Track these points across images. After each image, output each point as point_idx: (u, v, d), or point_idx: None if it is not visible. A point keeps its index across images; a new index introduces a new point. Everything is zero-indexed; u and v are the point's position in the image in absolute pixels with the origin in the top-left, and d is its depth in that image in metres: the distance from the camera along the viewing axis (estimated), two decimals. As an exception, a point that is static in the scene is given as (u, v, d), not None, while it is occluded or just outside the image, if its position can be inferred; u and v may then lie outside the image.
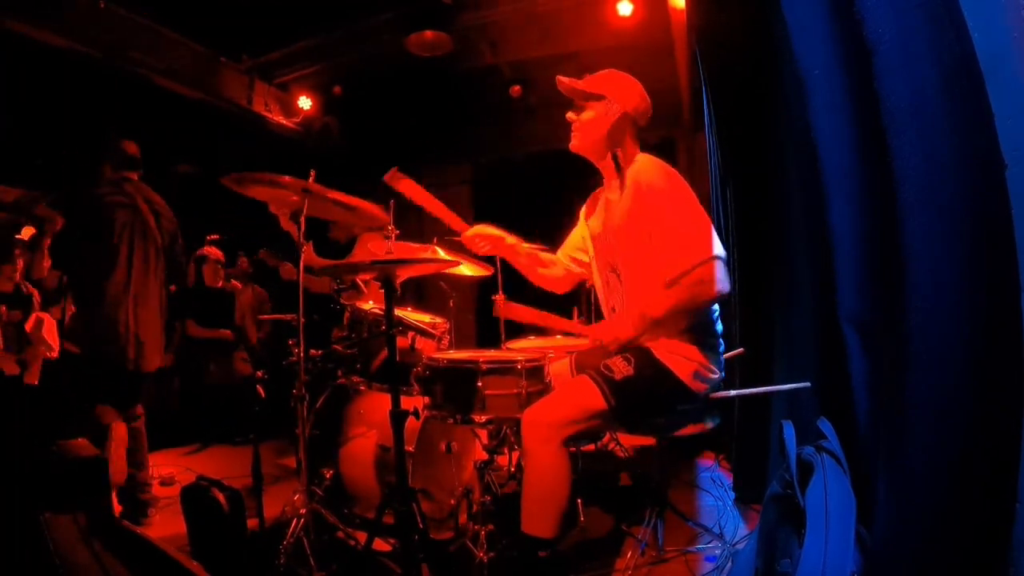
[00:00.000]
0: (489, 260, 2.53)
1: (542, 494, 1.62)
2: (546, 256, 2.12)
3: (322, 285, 3.17)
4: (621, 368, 1.67)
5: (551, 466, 1.60)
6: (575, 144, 1.86)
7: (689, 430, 1.89)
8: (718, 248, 1.61)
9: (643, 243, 1.72)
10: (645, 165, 1.74)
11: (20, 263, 3.26)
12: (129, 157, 2.66)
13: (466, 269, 2.40)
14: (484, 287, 3.20)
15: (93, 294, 2.53)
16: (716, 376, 1.74)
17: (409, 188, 1.90)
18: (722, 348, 1.79)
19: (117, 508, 2.45)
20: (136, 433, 2.62)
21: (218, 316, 4.25)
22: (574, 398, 1.66)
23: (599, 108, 1.80)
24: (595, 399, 1.63)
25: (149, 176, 2.79)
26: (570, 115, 1.86)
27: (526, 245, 2.08)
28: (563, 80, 1.83)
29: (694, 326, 1.72)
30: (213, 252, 4.26)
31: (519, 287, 2.23)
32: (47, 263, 3.28)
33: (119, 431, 2.51)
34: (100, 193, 2.57)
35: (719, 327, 1.80)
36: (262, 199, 2.28)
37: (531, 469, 1.63)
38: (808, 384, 1.70)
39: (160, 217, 2.69)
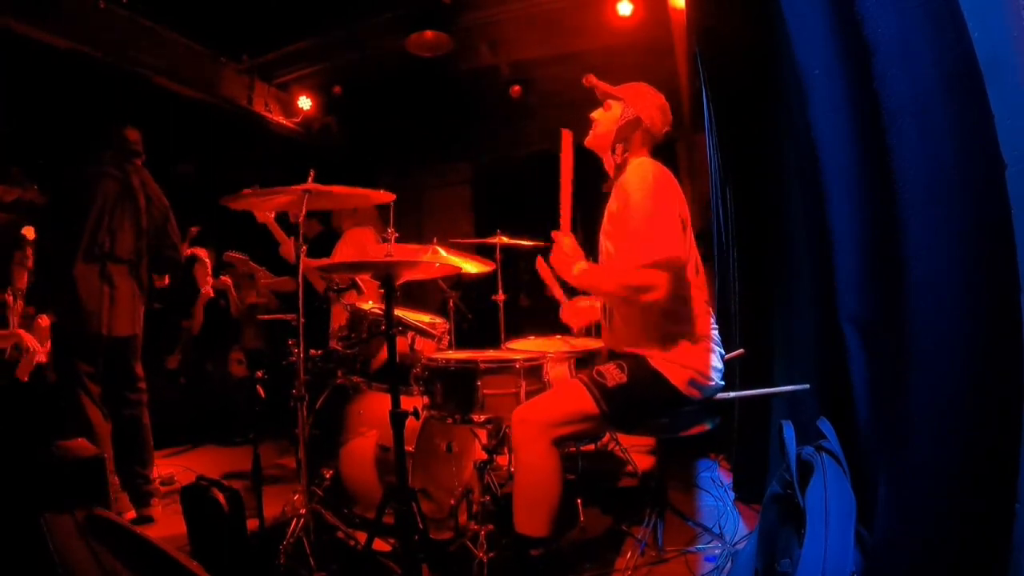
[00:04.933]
0: (490, 257, 2.53)
1: (532, 493, 1.62)
2: None
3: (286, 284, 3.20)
4: (614, 375, 1.67)
5: (540, 465, 1.61)
6: (588, 140, 1.91)
7: (688, 431, 1.89)
8: (669, 253, 1.61)
9: (618, 241, 1.76)
10: (635, 166, 1.78)
11: (30, 251, 3.25)
12: (129, 143, 2.68)
13: (469, 267, 2.40)
14: (484, 287, 3.20)
15: (68, 258, 2.52)
16: (713, 383, 1.74)
17: (566, 158, 1.89)
18: (721, 354, 1.79)
19: (125, 505, 2.45)
20: (138, 426, 2.61)
21: (210, 315, 4.25)
22: (565, 401, 1.67)
23: (615, 108, 1.87)
24: (586, 404, 1.64)
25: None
26: (593, 114, 1.92)
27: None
28: (592, 79, 1.89)
29: (691, 333, 1.72)
30: (200, 253, 4.25)
31: (520, 287, 2.23)
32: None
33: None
34: (89, 168, 2.60)
35: (716, 334, 1.81)
36: (265, 209, 2.28)
37: (520, 468, 1.64)
38: (807, 386, 1.70)
39: (151, 201, 2.70)
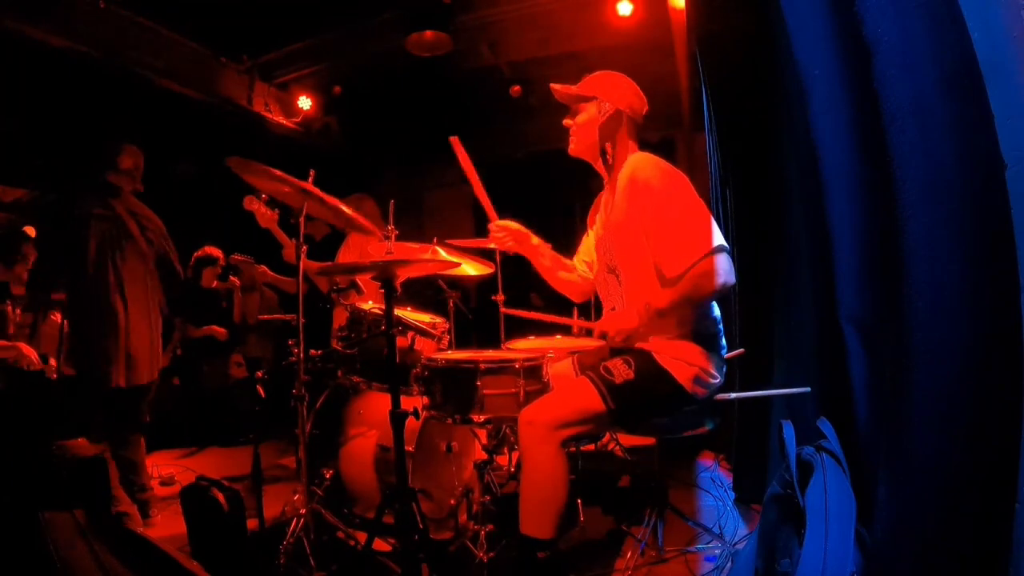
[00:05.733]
0: (490, 258, 2.53)
1: (540, 494, 1.61)
2: (568, 261, 2.10)
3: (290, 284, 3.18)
4: (621, 371, 1.66)
5: (548, 466, 1.60)
6: (572, 148, 1.88)
7: (689, 431, 1.89)
8: (719, 239, 1.60)
9: (640, 241, 1.71)
10: (640, 162, 1.73)
11: (31, 259, 3.24)
12: (122, 169, 2.63)
13: (469, 268, 2.40)
14: (484, 287, 3.20)
15: (83, 313, 2.51)
16: (716, 381, 1.74)
17: (463, 159, 1.89)
18: (724, 352, 1.79)
19: (136, 521, 2.46)
20: (135, 454, 2.61)
21: (212, 316, 4.25)
22: (572, 399, 1.66)
23: (591, 109, 1.82)
24: (594, 401, 1.63)
25: (148, 176, 2.78)
26: (566, 121, 1.88)
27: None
28: (556, 87, 1.85)
29: (697, 330, 1.71)
30: (216, 253, 4.26)
31: (519, 287, 2.23)
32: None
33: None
34: (82, 213, 2.53)
35: (721, 330, 1.80)
36: (263, 189, 2.27)
37: (529, 469, 1.62)
38: (808, 389, 1.70)
39: (146, 230, 2.66)
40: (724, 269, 1.58)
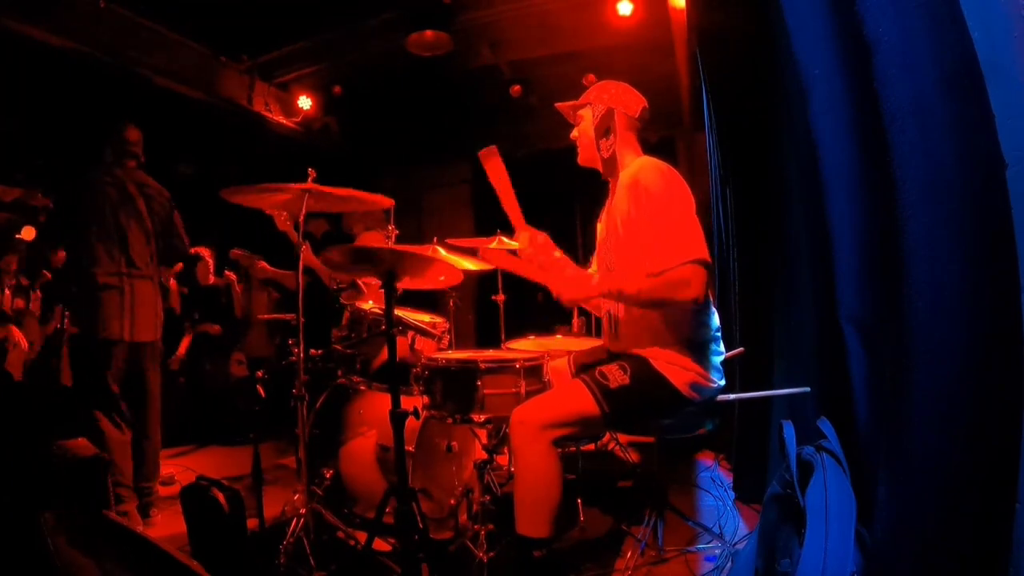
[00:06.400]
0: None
1: (533, 494, 1.62)
2: (590, 273, 2.10)
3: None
4: (617, 376, 1.66)
5: (541, 466, 1.60)
6: (579, 158, 1.92)
7: (688, 433, 1.89)
8: (705, 254, 1.60)
9: (637, 243, 1.72)
10: (645, 165, 1.74)
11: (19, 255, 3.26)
12: (125, 145, 2.69)
13: (468, 264, 2.40)
14: (484, 287, 3.20)
15: (87, 271, 2.54)
16: (715, 385, 1.74)
17: (495, 170, 1.89)
18: (721, 356, 1.79)
19: (131, 506, 2.46)
20: (150, 439, 2.64)
21: (214, 313, 4.25)
22: (566, 401, 1.66)
23: (587, 114, 1.88)
24: (588, 405, 1.63)
25: (149, 176, 2.79)
26: (572, 134, 1.92)
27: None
28: (558, 105, 1.92)
29: (692, 338, 1.71)
30: (204, 252, 4.26)
31: (520, 286, 2.23)
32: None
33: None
34: (89, 179, 2.61)
35: (718, 337, 1.80)
36: (261, 207, 2.29)
37: (521, 469, 1.63)
38: (807, 389, 1.70)
39: (151, 200, 2.71)
40: (701, 282, 1.58)
